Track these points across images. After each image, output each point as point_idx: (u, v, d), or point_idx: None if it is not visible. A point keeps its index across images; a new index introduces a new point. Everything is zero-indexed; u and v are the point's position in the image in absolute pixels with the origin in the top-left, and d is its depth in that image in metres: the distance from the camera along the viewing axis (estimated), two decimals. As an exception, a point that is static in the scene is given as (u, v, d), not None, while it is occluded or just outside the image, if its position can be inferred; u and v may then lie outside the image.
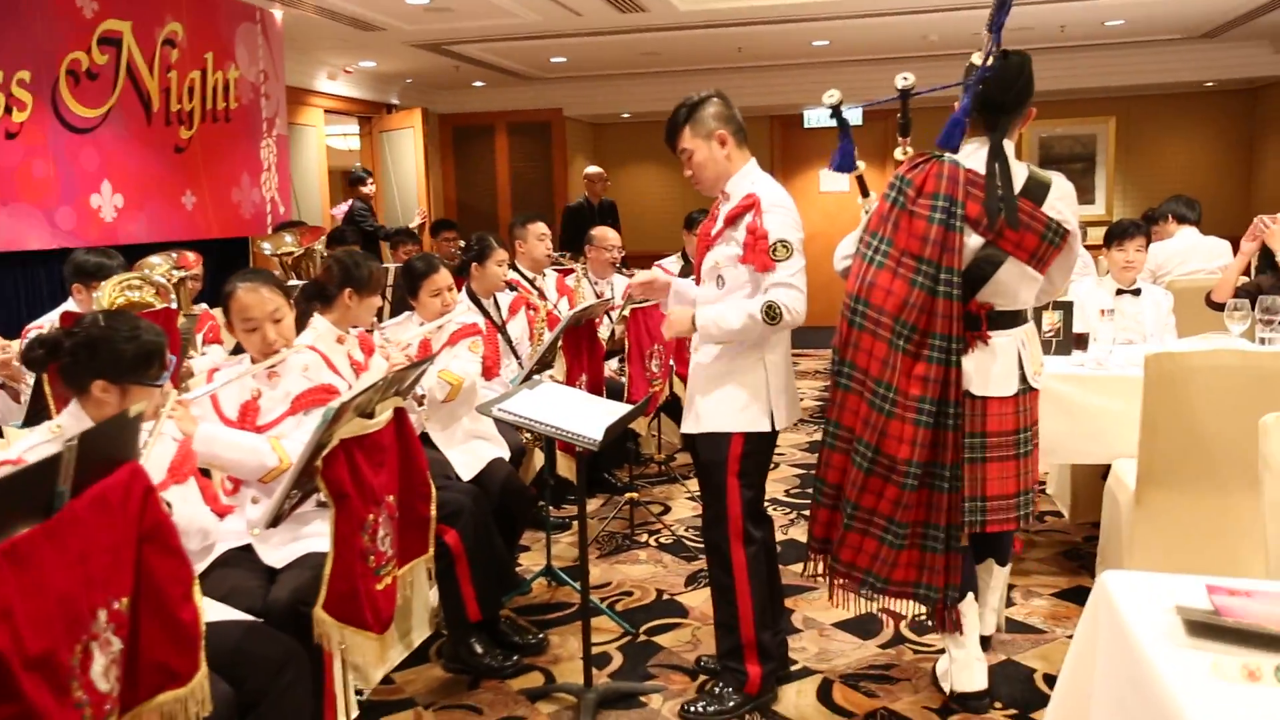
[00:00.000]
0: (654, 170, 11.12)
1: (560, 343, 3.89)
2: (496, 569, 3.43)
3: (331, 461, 2.31)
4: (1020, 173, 2.65)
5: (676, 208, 10.79)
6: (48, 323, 3.97)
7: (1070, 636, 3.38)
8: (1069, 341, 4.16)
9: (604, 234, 5.61)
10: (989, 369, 2.68)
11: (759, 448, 2.86)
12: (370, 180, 8.02)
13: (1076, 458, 3.88)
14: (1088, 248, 3.69)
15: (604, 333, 4.67)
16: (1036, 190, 2.65)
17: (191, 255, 4.72)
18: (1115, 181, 10.21)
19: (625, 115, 10.50)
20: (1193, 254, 5.74)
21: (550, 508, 4.39)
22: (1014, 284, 2.67)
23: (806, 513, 3.67)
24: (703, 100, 2.82)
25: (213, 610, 2.45)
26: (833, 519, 2.84)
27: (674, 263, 6.05)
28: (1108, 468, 4.01)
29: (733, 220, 2.78)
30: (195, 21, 5.60)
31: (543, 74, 9.36)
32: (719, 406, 2.84)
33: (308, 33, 6.86)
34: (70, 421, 2.25)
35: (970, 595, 2.87)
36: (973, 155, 2.66)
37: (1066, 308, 4.19)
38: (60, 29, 4.79)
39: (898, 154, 2.90)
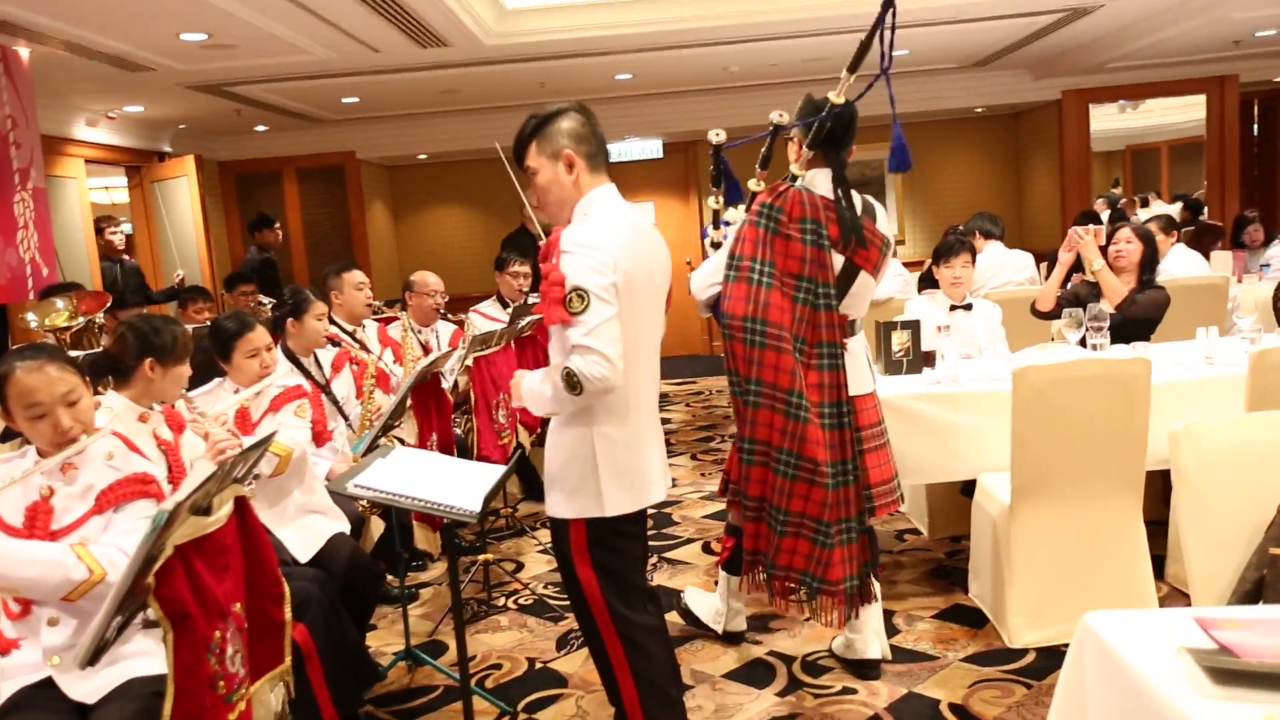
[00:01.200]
0: (455, 211, 10.78)
1: (409, 401, 3.51)
2: (352, 662, 3.05)
3: (166, 576, 1.89)
4: (857, 198, 3.03)
5: (481, 248, 10.54)
6: None
7: (965, 659, 3.37)
8: (919, 360, 4.15)
9: (424, 279, 5.25)
10: (853, 371, 3.01)
11: (606, 535, 2.44)
12: (277, 226, 7.77)
13: (942, 476, 3.85)
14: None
15: (445, 385, 4.30)
16: (870, 212, 3.07)
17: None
18: (904, 203, 10.70)
19: (422, 156, 10.13)
20: (1002, 268, 5.97)
21: (392, 578, 3.98)
22: (863, 294, 3.05)
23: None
24: (555, 114, 2.43)
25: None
26: (759, 530, 3.00)
27: (491, 307, 5.74)
28: (966, 483, 4.03)
29: (544, 259, 2.39)
30: (-75, 61, 4.85)
31: (333, 115, 8.85)
32: (553, 487, 2.49)
33: (62, 73, 6.13)
34: None
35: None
36: (815, 182, 3.01)
37: (914, 326, 4.19)
38: None
39: (752, 184, 3.12)
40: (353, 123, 9.34)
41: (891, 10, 2.80)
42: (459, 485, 2.73)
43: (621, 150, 9.76)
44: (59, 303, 4.69)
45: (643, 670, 2.48)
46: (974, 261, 4.72)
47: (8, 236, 5.35)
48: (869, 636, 3.24)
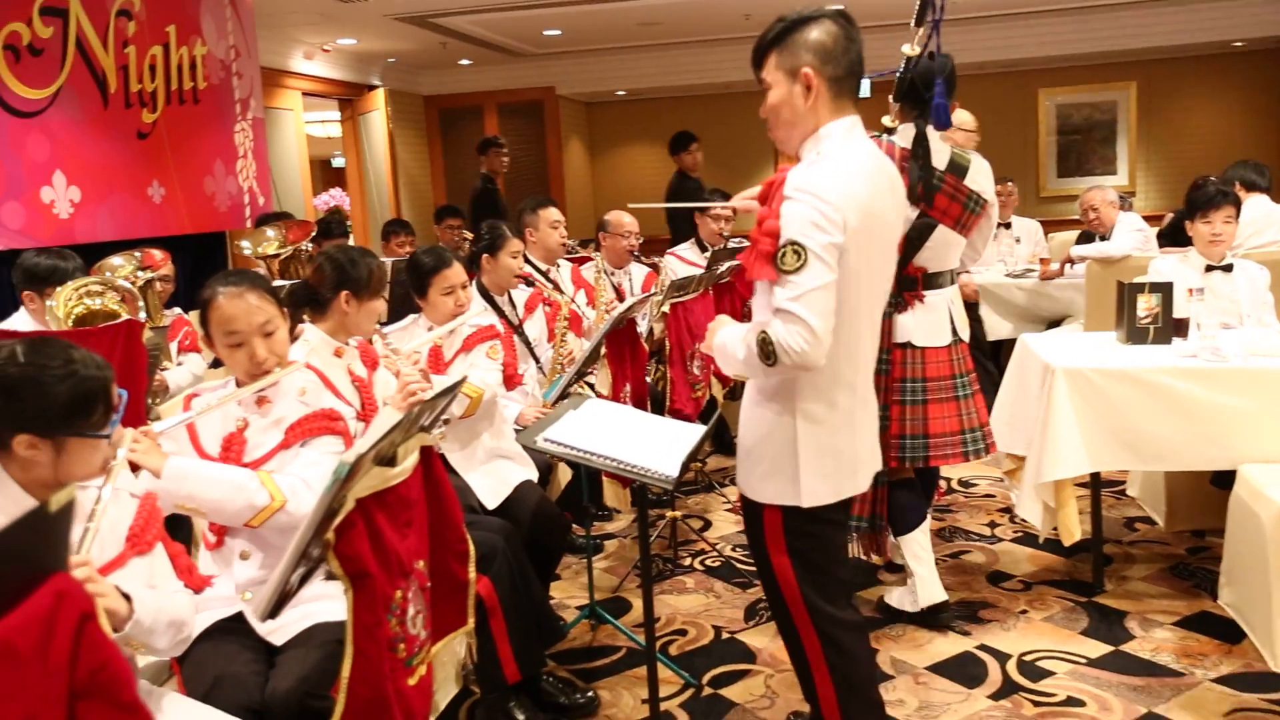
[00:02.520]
0: (651, 151, 10.56)
1: (603, 348, 3.33)
2: (536, 619, 2.94)
3: (347, 531, 1.75)
4: (943, 153, 3.08)
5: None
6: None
7: (1218, 680, 2.93)
8: (1168, 328, 3.64)
9: (618, 219, 5.04)
10: (926, 323, 3.11)
11: (804, 522, 2.14)
12: (505, 152, 7.45)
13: (1194, 464, 3.37)
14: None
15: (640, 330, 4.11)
16: (958, 168, 3.09)
17: (159, 254, 4.15)
18: (1138, 150, 9.70)
19: (620, 93, 9.95)
20: (1268, 223, 5.23)
21: (577, 526, 3.86)
22: (943, 248, 3.10)
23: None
24: (805, 20, 2.02)
25: (192, 714, 1.91)
26: None
27: (689, 250, 5.48)
28: (1218, 472, 3.53)
29: (764, 201, 2.08)
30: (154, -9, 4.99)
31: (534, 49, 8.78)
32: (747, 463, 2.21)
33: (281, 6, 6.24)
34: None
35: (925, 521, 3.30)
36: (902, 136, 3.07)
37: (1165, 290, 3.67)
38: (-4, -3, 4.17)
39: (886, 121, 3.10)
40: (553, 57, 9.24)
41: None
42: (654, 444, 2.54)
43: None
44: (269, 231, 4.79)
45: (842, 670, 2.21)
46: (1238, 216, 4.10)
47: (228, 165, 5.51)
48: (932, 579, 3.30)
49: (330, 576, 2.19)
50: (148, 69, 4.94)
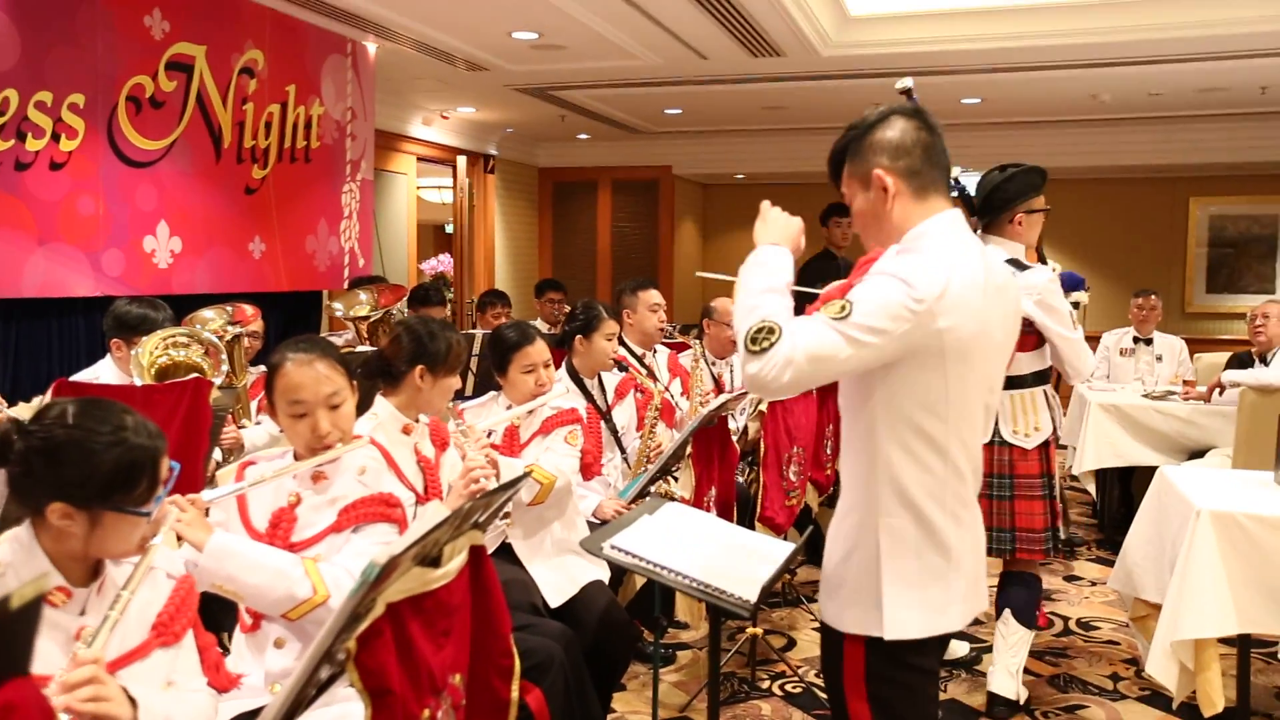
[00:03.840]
0: (765, 237, 10.35)
1: (689, 447, 3.06)
2: None
3: (371, 641, 1.52)
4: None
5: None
6: (85, 379, 3.37)
7: None
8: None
9: (726, 307, 4.77)
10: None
11: (890, 664, 1.84)
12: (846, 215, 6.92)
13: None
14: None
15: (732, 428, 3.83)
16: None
17: (249, 309, 4.07)
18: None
19: (739, 176, 9.81)
20: None
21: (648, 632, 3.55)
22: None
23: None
24: (873, 123, 1.87)
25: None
26: None
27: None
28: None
29: (846, 289, 1.92)
30: (279, 50, 5.01)
31: (653, 127, 8.72)
32: (827, 586, 1.93)
33: (403, 71, 6.29)
34: (13, 553, 1.64)
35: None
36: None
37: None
38: (124, 50, 4.21)
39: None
40: (671, 136, 9.17)
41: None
42: (735, 560, 2.26)
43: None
44: (361, 294, 4.70)
45: None
46: None
47: (332, 225, 5.49)
48: (998, 671, 3.40)
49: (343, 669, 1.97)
50: (263, 126, 4.96)
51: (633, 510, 2.45)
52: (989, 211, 3.32)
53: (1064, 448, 4.71)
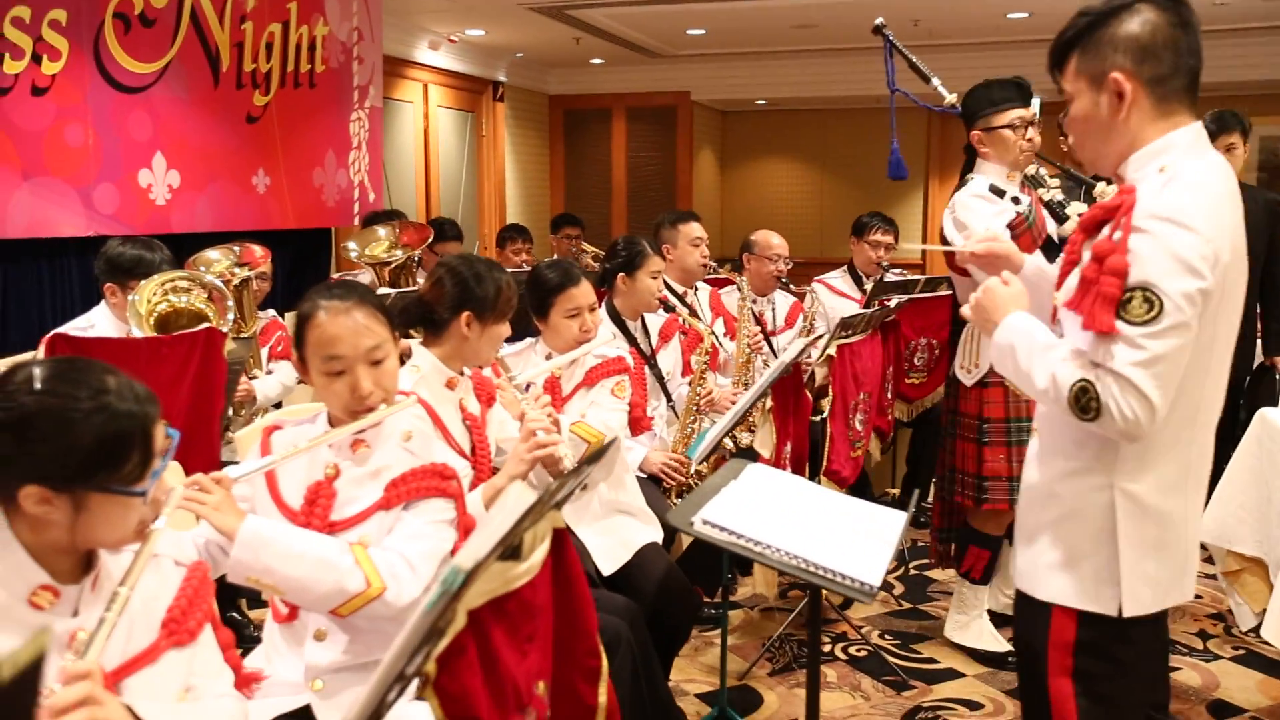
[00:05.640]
0: (789, 167, 9.97)
1: (769, 399, 2.74)
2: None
3: (454, 661, 1.27)
4: None
5: (814, 210, 9.67)
6: (78, 330, 3.05)
7: None
8: None
9: (767, 240, 4.43)
10: None
11: (1109, 639, 1.70)
12: None
13: None
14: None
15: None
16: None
17: (259, 250, 3.76)
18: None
19: (760, 102, 9.37)
20: None
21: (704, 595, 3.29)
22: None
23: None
24: (1118, 8, 1.60)
25: None
26: None
27: (841, 280, 4.83)
28: None
29: (1090, 227, 1.66)
30: (278, -37, 4.60)
31: (672, 50, 8.28)
32: (1037, 555, 1.76)
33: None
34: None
35: None
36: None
37: None
38: (109, -40, 3.81)
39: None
40: (692, 60, 8.73)
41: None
42: (843, 535, 1.97)
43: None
44: (380, 231, 4.34)
45: None
46: None
47: (340, 156, 5.12)
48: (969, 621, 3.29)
49: (420, 696, 1.71)
50: (264, 47, 4.55)
51: (713, 479, 2.15)
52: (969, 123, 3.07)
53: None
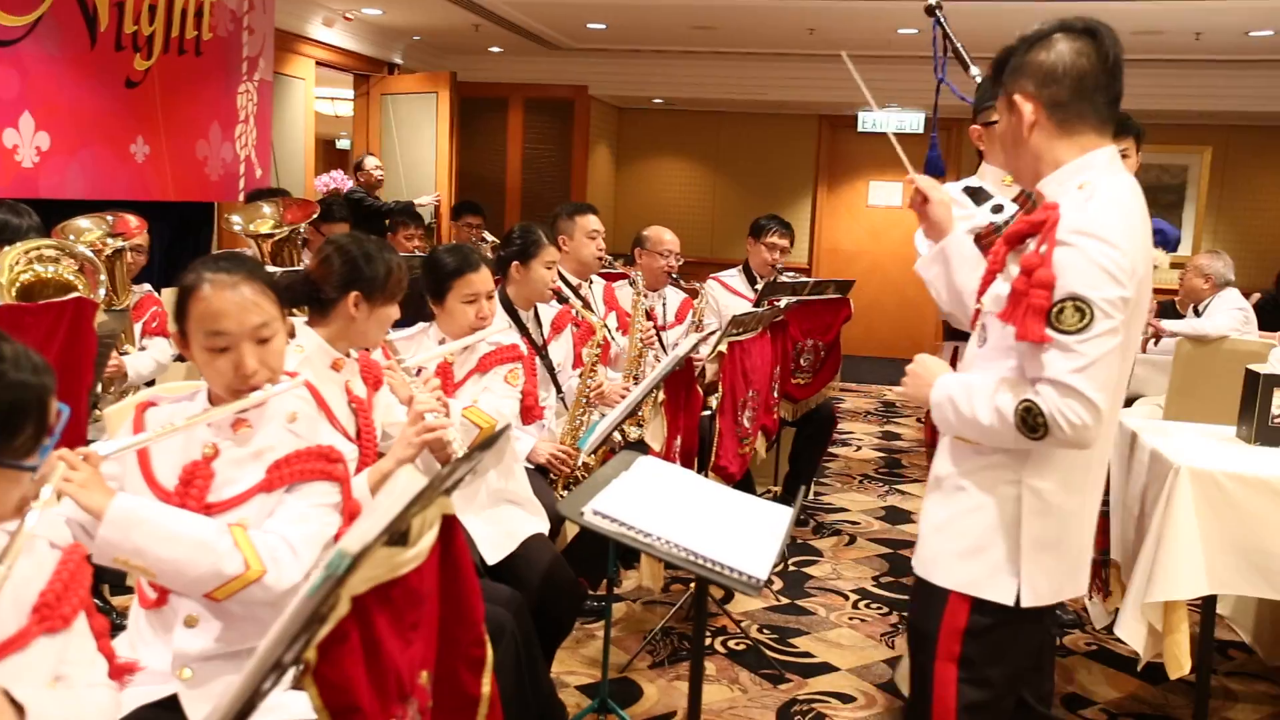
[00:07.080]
0: (683, 166, 10.06)
1: (662, 393, 2.76)
2: (540, 712, 2.42)
3: (335, 648, 1.22)
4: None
5: (706, 211, 9.81)
6: None
7: None
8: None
9: (659, 235, 4.47)
10: None
11: (999, 629, 1.80)
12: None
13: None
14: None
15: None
16: None
17: (134, 220, 3.61)
18: (1206, 221, 9.16)
19: (657, 101, 9.45)
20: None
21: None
22: None
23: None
24: (1036, 40, 1.73)
25: None
26: None
27: (735, 278, 4.90)
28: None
29: (1014, 240, 1.76)
30: (165, -76, 4.40)
31: (571, 43, 8.26)
32: (939, 544, 1.85)
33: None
34: None
35: None
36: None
37: None
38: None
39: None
40: (591, 54, 8.73)
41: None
42: (730, 528, 2.00)
43: (875, 120, 8.71)
44: (265, 208, 4.22)
45: None
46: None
47: (226, 129, 4.93)
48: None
49: (298, 685, 1.66)
50: (146, 10, 4.35)
51: (604, 470, 2.15)
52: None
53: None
